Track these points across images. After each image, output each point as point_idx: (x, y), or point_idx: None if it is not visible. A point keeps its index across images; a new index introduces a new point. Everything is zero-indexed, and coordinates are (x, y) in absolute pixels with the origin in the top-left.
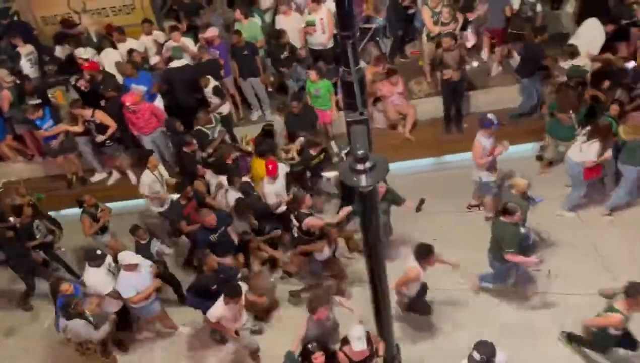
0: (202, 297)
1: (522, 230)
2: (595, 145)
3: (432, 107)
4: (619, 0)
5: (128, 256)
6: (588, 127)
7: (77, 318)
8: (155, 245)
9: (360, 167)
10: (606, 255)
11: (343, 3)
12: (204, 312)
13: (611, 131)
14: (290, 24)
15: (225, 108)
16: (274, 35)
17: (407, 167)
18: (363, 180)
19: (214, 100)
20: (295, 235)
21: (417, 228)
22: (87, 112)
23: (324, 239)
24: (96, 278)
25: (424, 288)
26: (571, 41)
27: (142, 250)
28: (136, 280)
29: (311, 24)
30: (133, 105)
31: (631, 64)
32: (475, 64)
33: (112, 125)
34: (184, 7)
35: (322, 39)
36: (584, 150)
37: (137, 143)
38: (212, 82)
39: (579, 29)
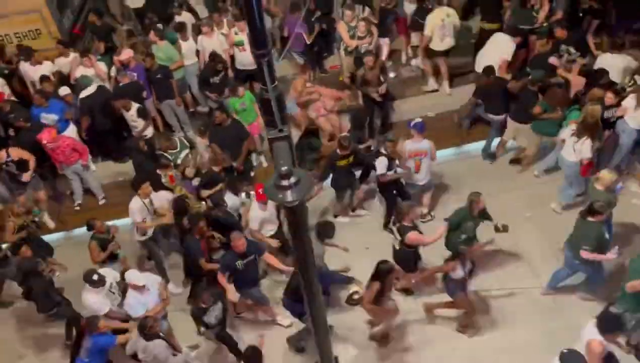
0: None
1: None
2: (587, 142)
3: None
4: (519, 7)
5: (135, 276)
6: (573, 127)
7: (157, 340)
8: (215, 311)
9: (284, 183)
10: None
11: (255, 21)
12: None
13: (598, 126)
14: (213, 44)
15: (149, 131)
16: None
17: None
18: (288, 196)
19: (139, 123)
20: (397, 247)
21: None
22: (2, 154)
23: (457, 258)
24: (93, 298)
25: None
26: (483, 52)
27: (201, 315)
28: (145, 298)
29: (240, 44)
30: (51, 142)
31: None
32: (392, 75)
33: (31, 158)
34: (96, 31)
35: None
36: (578, 149)
37: (56, 173)
38: (134, 105)
39: (491, 41)
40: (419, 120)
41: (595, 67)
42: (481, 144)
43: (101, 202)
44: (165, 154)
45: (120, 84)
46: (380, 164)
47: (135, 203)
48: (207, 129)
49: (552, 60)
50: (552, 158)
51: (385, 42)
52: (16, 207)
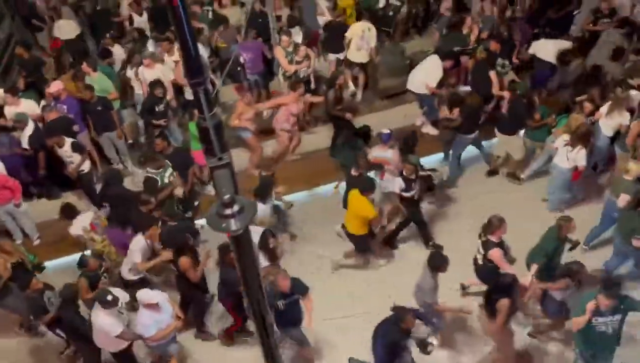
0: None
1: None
2: (582, 152)
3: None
4: (450, 30)
5: (146, 295)
6: (566, 137)
7: None
8: None
9: (227, 211)
10: None
11: (189, 49)
12: None
13: (590, 136)
14: (154, 76)
15: (86, 165)
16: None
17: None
18: (232, 225)
19: (75, 157)
20: (480, 262)
21: None
22: None
23: (569, 276)
24: (105, 320)
25: None
26: (414, 72)
27: None
28: (159, 316)
29: None
30: None
31: (467, 88)
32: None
33: None
34: (24, 64)
35: None
36: (572, 158)
37: None
38: (68, 140)
39: (423, 63)
40: (386, 131)
41: (531, 51)
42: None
43: (35, 243)
44: (152, 175)
45: (49, 120)
46: (396, 184)
47: (139, 243)
48: (147, 160)
49: (492, 75)
50: (539, 163)
51: (334, 58)
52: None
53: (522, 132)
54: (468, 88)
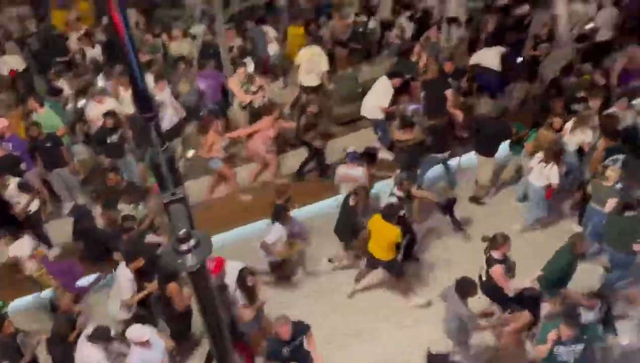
0: None
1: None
2: (555, 168)
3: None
4: (401, 58)
5: (136, 333)
6: (540, 155)
7: None
8: None
9: (183, 247)
10: None
11: (137, 84)
12: None
13: (561, 152)
14: (102, 111)
15: (34, 204)
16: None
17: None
18: (189, 261)
19: (22, 197)
20: (484, 278)
21: None
22: None
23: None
24: (94, 355)
25: None
26: (366, 98)
27: None
28: (149, 354)
29: None
30: None
31: (415, 106)
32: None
33: None
34: None
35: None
36: (546, 174)
37: None
38: (14, 180)
39: (373, 87)
40: (351, 149)
41: (474, 61)
42: None
43: None
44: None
45: None
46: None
47: (126, 277)
48: (100, 194)
49: (448, 93)
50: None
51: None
52: None
53: (498, 153)
54: (416, 106)
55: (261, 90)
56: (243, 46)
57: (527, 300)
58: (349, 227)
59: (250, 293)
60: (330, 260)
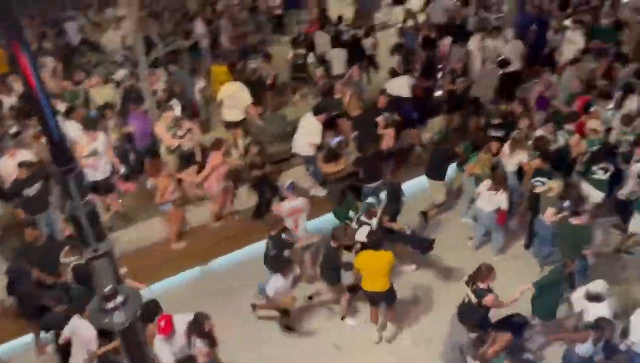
0: None
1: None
2: (503, 194)
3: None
4: (325, 96)
5: None
6: (487, 183)
7: None
8: None
9: (111, 304)
10: None
11: (53, 138)
12: None
13: (505, 179)
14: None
15: None
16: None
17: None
18: (117, 318)
19: None
20: (468, 306)
21: None
22: None
23: (592, 329)
24: None
25: None
26: (296, 136)
27: None
28: None
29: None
30: None
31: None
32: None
33: None
34: None
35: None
36: (494, 200)
37: None
38: None
39: (300, 124)
40: (289, 182)
41: (388, 89)
42: None
43: None
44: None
45: None
46: (361, 233)
47: (89, 329)
48: (17, 252)
49: (379, 119)
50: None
51: None
52: None
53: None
54: (340, 138)
55: (189, 133)
56: (168, 89)
57: (513, 326)
58: (336, 271)
59: (211, 339)
60: (310, 298)
